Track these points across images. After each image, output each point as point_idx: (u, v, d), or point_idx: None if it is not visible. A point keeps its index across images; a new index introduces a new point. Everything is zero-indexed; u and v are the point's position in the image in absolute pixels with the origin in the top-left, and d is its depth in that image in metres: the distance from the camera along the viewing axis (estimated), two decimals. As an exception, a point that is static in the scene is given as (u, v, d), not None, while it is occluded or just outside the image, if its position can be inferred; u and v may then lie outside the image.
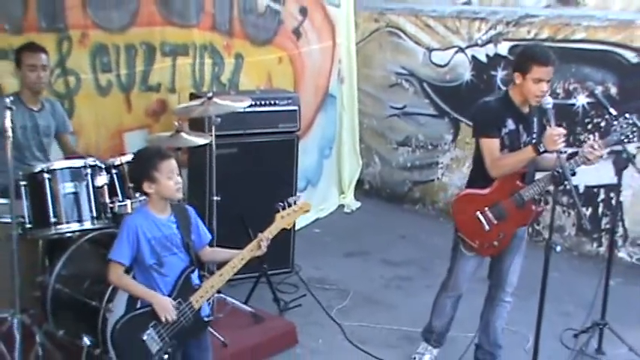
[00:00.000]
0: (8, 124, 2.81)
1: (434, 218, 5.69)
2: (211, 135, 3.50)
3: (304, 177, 5.14)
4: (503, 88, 4.34)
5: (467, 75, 5.44)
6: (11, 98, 2.94)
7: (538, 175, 3.02)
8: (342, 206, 5.76)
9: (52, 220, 3.00)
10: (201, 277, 2.69)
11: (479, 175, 3.08)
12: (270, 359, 3.45)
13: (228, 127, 3.76)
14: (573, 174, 2.87)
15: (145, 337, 2.47)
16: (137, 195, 3.12)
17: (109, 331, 2.66)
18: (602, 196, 4.82)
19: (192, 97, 4.15)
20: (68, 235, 3.09)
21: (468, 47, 5.41)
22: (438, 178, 5.78)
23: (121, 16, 4.06)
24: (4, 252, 2.94)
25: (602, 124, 4.73)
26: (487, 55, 5.30)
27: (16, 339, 2.92)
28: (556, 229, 4.87)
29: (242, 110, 3.72)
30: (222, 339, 3.29)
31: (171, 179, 2.50)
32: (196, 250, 2.65)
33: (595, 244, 4.93)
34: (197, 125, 3.89)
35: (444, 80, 5.62)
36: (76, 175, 3.06)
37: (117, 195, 3.14)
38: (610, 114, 3.18)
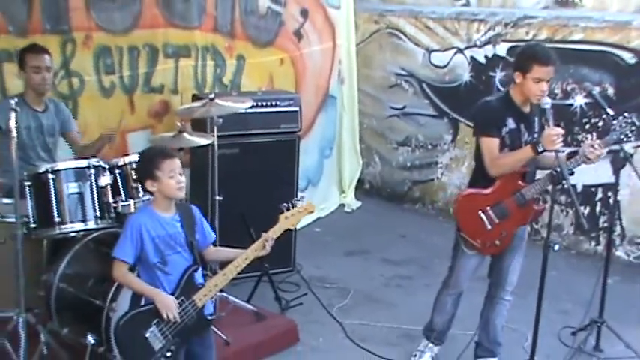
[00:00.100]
0: (13, 125, 2.83)
1: (433, 217, 5.71)
2: (213, 135, 3.51)
3: (305, 177, 5.16)
4: (502, 88, 4.39)
5: (466, 76, 5.46)
6: (16, 99, 2.95)
7: (539, 175, 3.03)
8: (342, 206, 5.77)
9: (57, 219, 3.01)
10: (204, 277, 2.70)
11: (480, 175, 3.09)
12: (272, 357, 3.45)
13: (230, 128, 3.78)
14: (571, 173, 2.88)
15: (147, 335, 2.49)
16: (140, 195, 3.13)
17: (113, 328, 2.67)
18: (599, 195, 4.84)
19: (195, 98, 4.16)
20: (72, 234, 3.10)
21: (466, 48, 5.43)
22: (437, 178, 5.80)
23: (124, 18, 4.09)
24: (9, 251, 2.95)
25: (600, 124, 4.75)
26: (486, 56, 5.32)
27: (21, 337, 2.92)
28: (554, 228, 4.90)
29: (244, 111, 3.73)
30: (224, 337, 3.30)
31: (172, 178, 2.51)
32: (201, 249, 2.66)
33: (593, 243, 4.95)
34: (199, 126, 3.90)
35: (444, 81, 5.64)
36: (80, 175, 3.08)
37: (120, 195, 3.14)
38: (607, 114, 3.18)
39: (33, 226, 3.02)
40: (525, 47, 3.15)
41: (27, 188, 3.01)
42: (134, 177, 3.15)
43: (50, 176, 3.02)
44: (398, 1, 5.83)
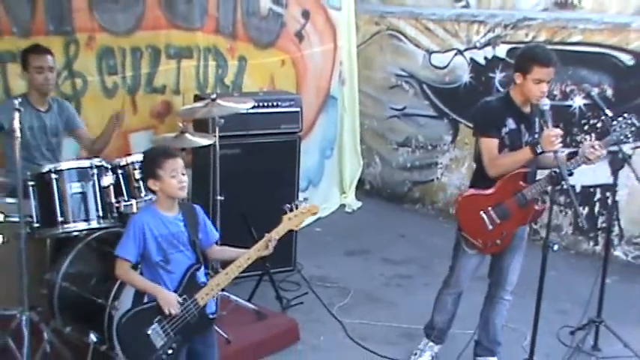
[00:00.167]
0: (17, 125, 2.84)
1: (433, 218, 5.72)
2: (215, 136, 3.52)
3: (306, 177, 5.17)
4: (501, 89, 4.40)
5: (465, 77, 5.48)
6: (19, 100, 2.96)
7: (539, 175, 3.04)
8: (343, 206, 5.78)
9: (60, 219, 3.02)
10: (207, 276, 2.70)
11: (481, 176, 3.10)
12: (273, 355, 3.47)
13: (231, 128, 3.77)
14: (570, 174, 2.89)
15: (149, 332, 2.49)
16: (142, 195, 3.14)
17: (115, 325, 2.68)
18: (598, 195, 4.86)
19: (197, 98, 4.17)
20: (75, 234, 3.11)
21: (466, 50, 5.45)
22: (437, 178, 5.82)
23: (127, 19, 4.10)
24: (12, 250, 2.96)
25: (599, 125, 4.76)
26: (485, 58, 5.34)
27: (24, 336, 2.94)
28: (553, 228, 4.92)
29: (245, 111, 3.74)
30: (225, 336, 3.32)
31: (174, 178, 2.52)
32: (204, 248, 2.67)
33: (591, 243, 4.96)
34: (201, 126, 3.92)
35: (444, 82, 5.65)
36: (82, 175, 3.09)
37: (122, 195, 3.16)
38: (606, 115, 3.18)
39: (36, 225, 3.03)
40: (526, 48, 3.14)
41: (30, 188, 3.03)
42: (136, 177, 3.16)
43: (53, 176, 3.03)
44: (398, 3, 5.85)
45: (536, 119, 3.08)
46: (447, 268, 3.35)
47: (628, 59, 4.66)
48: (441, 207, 5.79)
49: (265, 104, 4.18)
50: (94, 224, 3.11)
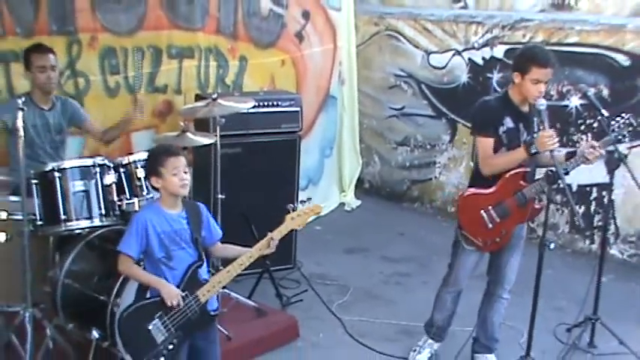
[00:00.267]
0: (20, 124, 2.87)
1: (432, 216, 5.75)
2: (216, 135, 3.53)
3: (306, 176, 5.19)
4: (499, 90, 4.44)
5: (464, 77, 5.50)
6: (23, 99, 2.99)
7: (539, 174, 3.05)
8: (342, 204, 5.80)
9: (62, 217, 3.04)
10: (209, 273, 2.71)
11: (480, 174, 3.12)
12: (273, 352, 3.49)
13: (232, 128, 3.79)
14: (566, 173, 2.93)
15: (150, 327, 2.50)
16: (144, 193, 3.16)
17: (117, 319, 2.70)
18: (594, 194, 4.88)
19: (198, 98, 4.20)
20: (78, 231, 3.12)
21: (464, 50, 5.47)
22: (435, 177, 5.84)
23: (129, 19, 4.13)
24: (15, 248, 2.99)
25: (595, 124, 4.78)
26: (483, 58, 5.36)
27: (27, 332, 2.97)
28: (550, 227, 4.91)
29: (246, 111, 3.76)
30: (226, 332, 3.33)
31: (176, 176, 2.54)
32: (207, 246, 2.69)
33: (588, 242, 4.99)
34: (202, 125, 3.93)
35: (442, 82, 5.68)
36: (85, 173, 3.10)
37: (125, 193, 3.17)
38: (602, 115, 3.21)
39: (39, 223, 3.05)
40: (525, 49, 3.15)
41: (34, 186, 3.04)
42: (138, 175, 3.17)
43: (56, 174, 3.04)
44: (397, 4, 5.86)
45: (535, 118, 3.09)
46: (445, 265, 3.37)
47: (624, 60, 4.69)
48: (439, 205, 5.81)
49: (266, 104, 4.20)
50: (96, 222, 3.12)
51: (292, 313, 3.85)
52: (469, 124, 3.58)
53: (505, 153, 3.06)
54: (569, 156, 3.03)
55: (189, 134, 3.39)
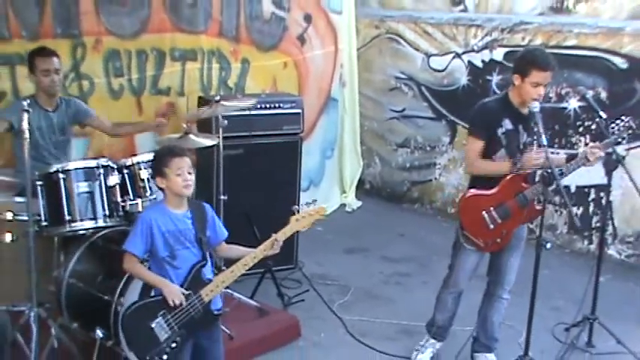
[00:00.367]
0: (25, 126, 2.89)
1: (431, 217, 5.77)
2: (218, 137, 3.55)
3: (307, 177, 5.22)
4: (498, 92, 4.47)
5: (463, 79, 5.52)
6: (28, 101, 3.00)
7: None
8: (343, 205, 5.82)
9: (67, 218, 3.05)
10: (213, 273, 2.72)
11: (480, 175, 3.16)
12: (274, 351, 3.50)
13: (234, 129, 3.82)
14: (561, 173, 2.96)
15: (153, 325, 2.51)
16: (148, 194, 3.18)
17: (120, 317, 2.71)
18: (592, 195, 4.90)
19: (201, 100, 4.22)
20: (82, 232, 3.13)
21: (464, 53, 5.49)
22: (435, 179, 5.86)
23: (133, 23, 4.16)
24: (21, 248, 3.01)
25: (593, 127, 4.81)
26: (483, 61, 5.38)
27: (32, 331, 2.97)
28: (549, 228, 4.98)
29: (248, 113, 3.80)
30: (228, 332, 3.33)
31: (180, 176, 2.55)
32: (212, 246, 2.70)
33: (586, 242, 5.01)
34: (205, 127, 3.96)
35: (442, 84, 5.70)
36: (89, 174, 3.12)
37: (128, 194, 3.18)
38: (600, 117, 3.22)
39: (44, 224, 3.06)
40: (526, 51, 3.15)
41: (39, 187, 3.05)
42: (142, 176, 3.19)
43: (61, 175, 3.06)
44: (398, 7, 5.88)
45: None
46: (445, 266, 3.39)
47: (621, 63, 4.71)
48: (439, 206, 5.83)
49: (268, 106, 4.23)
50: (100, 223, 3.13)
51: (294, 312, 3.86)
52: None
53: (491, 162, 3.10)
54: (570, 158, 3.06)
55: (191, 136, 3.41)
